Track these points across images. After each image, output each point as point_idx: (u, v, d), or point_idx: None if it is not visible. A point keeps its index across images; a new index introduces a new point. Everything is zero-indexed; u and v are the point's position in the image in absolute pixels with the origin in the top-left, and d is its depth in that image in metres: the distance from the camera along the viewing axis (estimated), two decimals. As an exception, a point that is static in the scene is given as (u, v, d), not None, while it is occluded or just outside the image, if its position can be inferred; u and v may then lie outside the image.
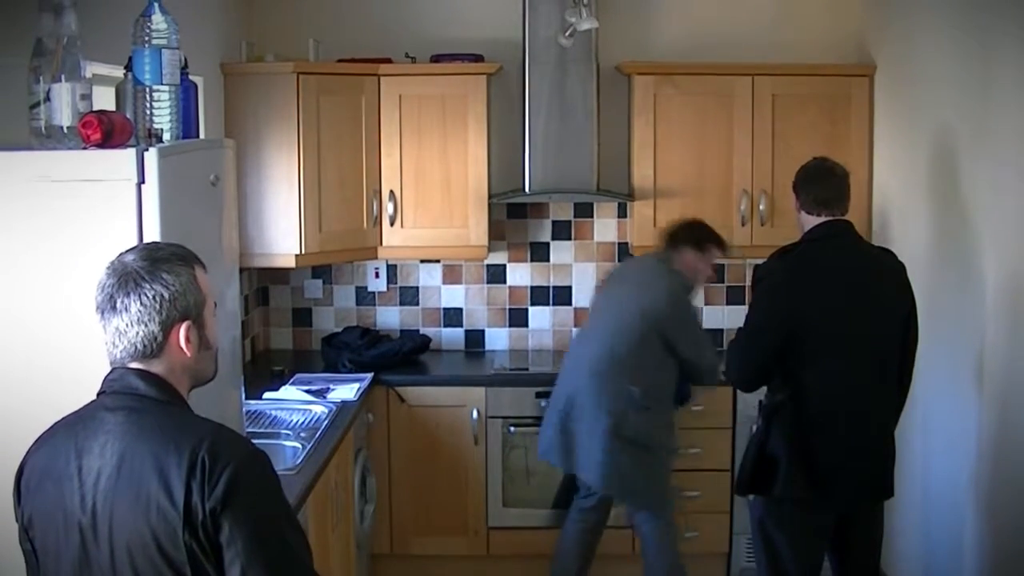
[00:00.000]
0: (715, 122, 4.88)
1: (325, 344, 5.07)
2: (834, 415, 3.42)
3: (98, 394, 1.91)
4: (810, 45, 5.08)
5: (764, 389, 3.60)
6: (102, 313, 1.88)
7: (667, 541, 4.29)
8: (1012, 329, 3.62)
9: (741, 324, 3.62)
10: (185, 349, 1.90)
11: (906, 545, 4.47)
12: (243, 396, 3.06)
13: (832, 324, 3.40)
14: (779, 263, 3.51)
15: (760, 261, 3.67)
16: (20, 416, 2.15)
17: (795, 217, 3.62)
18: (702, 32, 5.10)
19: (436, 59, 4.95)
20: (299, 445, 3.68)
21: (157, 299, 1.86)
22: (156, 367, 1.89)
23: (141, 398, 1.87)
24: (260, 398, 4.29)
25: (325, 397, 4.31)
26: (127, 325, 1.86)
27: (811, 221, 3.53)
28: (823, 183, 3.53)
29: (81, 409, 1.92)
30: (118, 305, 1.86)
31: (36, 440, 1.95)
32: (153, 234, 2.30)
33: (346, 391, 4.39)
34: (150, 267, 1.87)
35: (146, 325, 1.86)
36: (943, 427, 4.13)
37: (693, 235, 4.23)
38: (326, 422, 3.94)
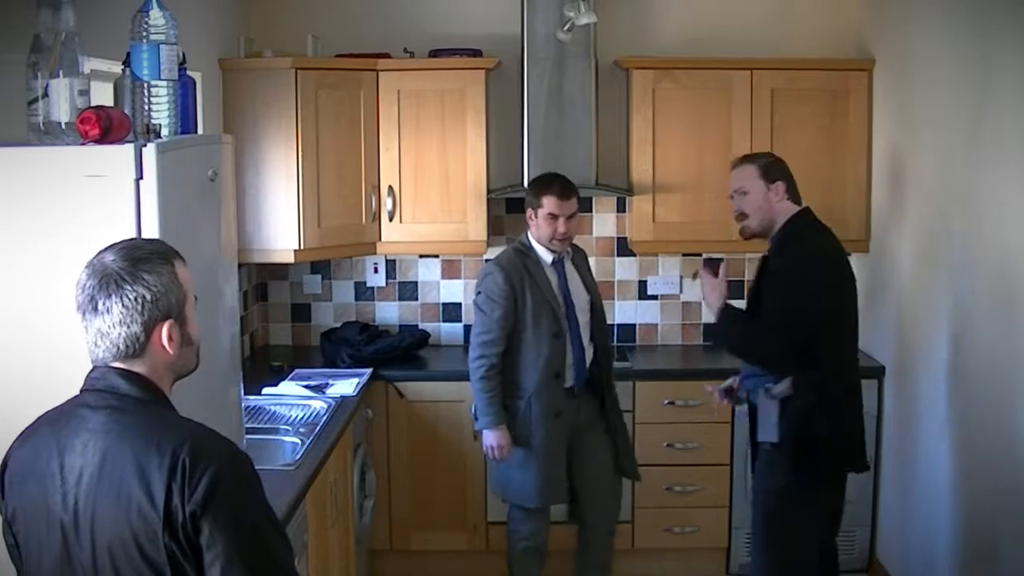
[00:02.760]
0: (714, 117, 4.87)
1: (324, 339, 5.07)
2: (851, 391, 3.62)
3: (80, 391, 1.91)
4: (809, 40, 5.08)
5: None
6: (83, 314, 1.88)
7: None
8: (1006, 322, 3.62)
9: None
10: (168, 347, 1.90)
11: (891, 524, 4.54)
12: (242, 392, 3.06)
13: (847, 304, 3.60)
14: (803, 248, 3.57)
15: (757, 255, 3.70)
16: (19, 413, 2.14)
17: (765, 207, 3.65)
18: (700, 26, 5.10)
19: (434, 54, 4.95)
20: (298, 440, 3.68)
21: (139, 301, 1.86)
22: (139, 366, 1.89)
23: (123, 397, 1.87)
24: (259, 394, 4.29)
25: (324, 392, 4.31)
26: (109, 327, 1.86)
27: (791, 209, 3.66)
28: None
29: (63, 405, 1.93)
30: (99, 307, 1.86)
31: (19, 435, 1.95)
32: (152, 229, 2.30)
33: (345, 386, 4.39)
34: (131, 268, 1.87)
35: (128, 327, 1.86)
36: (936, 414, 4.15)
37: None
38: (325, 417, 3.94)
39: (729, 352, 3.87)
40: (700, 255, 5.24)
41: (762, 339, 3.59)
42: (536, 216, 4.08)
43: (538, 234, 4.09)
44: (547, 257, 4.11)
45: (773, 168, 3.68)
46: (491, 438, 4.05)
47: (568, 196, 4.06)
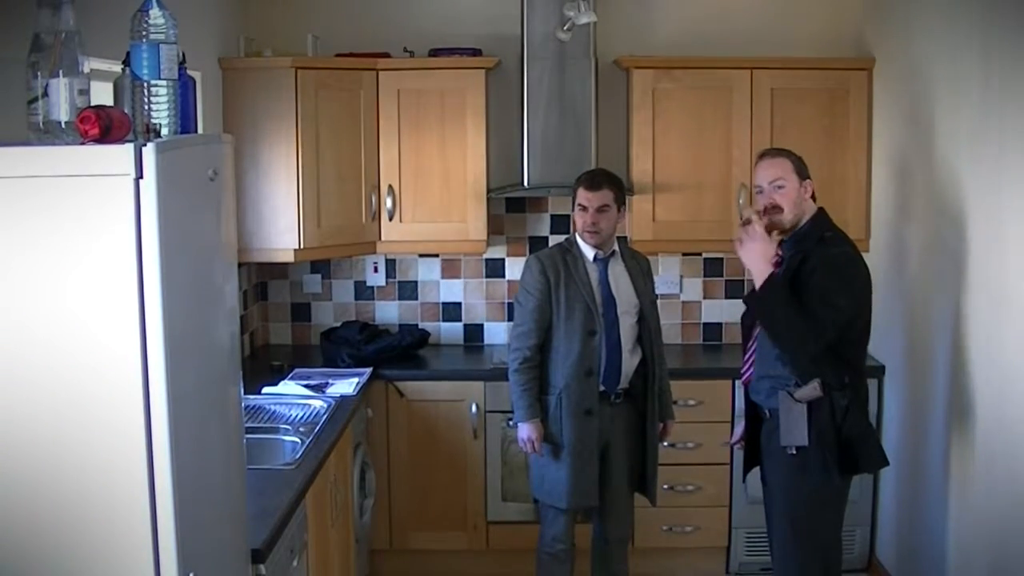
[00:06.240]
0: (714, 116, 4.88)
1: (324, 339, 5.07)
2: (867, 390, 3.71)
3: None
4: (809, 39, 5.08)
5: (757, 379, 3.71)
6: None
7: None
8: (1008, 321, 3.62)
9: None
10: None
11: (891, 524, 4.54)
12: (241, 391, 3.06)
13: (870, 306, 3.64)
14: (840, 252, 3.56)
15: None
16: (19, 416, 2.14)
17: (799, 203, 3.62)
18: (700, 26, 5.10)
19: (434, 53, 4.95)
20: (298, 440, 3.68)
21: None
22: None
23: None
24: (259, 393, 4.29)
25: (324, 392, 4.31)
26: None
27: (813, 208, 3.67)
28: None
29: None
30: None
31: None
32: (151, 229, 2.30)
33: (345, 386, 4.39)
34: None
35: None
36: (936, 414, 4.15)
37: None
38: (325, 417, 3.94)
39: (762, 326, 3.61)
40: (700, 255, 5.26)
41: (805, 331, 3.45)
42: (575, 209, 4.05)
43: (577, 227, 4.06)
44: (589, 253, 4.02)
45: (803, 165, 3.67)
46: (524, 431, 4.00)
47: (596, 187, 3.96)
